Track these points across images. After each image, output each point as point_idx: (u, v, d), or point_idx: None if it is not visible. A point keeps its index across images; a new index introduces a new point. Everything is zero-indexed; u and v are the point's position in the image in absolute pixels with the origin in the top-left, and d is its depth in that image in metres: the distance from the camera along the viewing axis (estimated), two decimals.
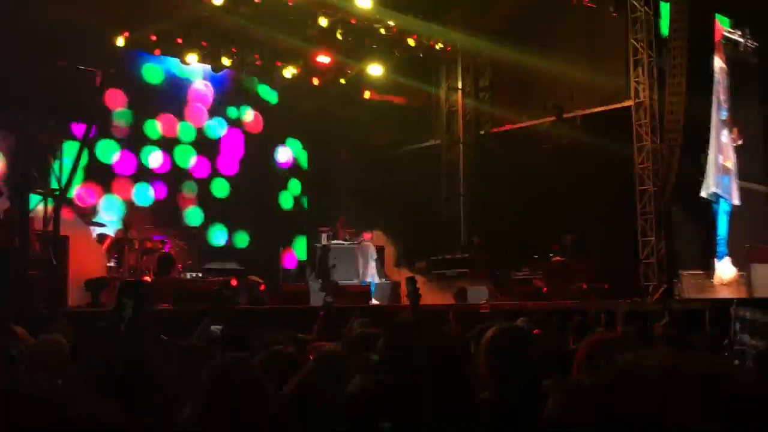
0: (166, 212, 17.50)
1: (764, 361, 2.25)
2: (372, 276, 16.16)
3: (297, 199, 20.14)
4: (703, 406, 0.76)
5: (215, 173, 18.58)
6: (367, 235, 16.32)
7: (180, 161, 18.01)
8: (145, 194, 17.32)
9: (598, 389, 0.82)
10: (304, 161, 20.53)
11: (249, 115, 19.41)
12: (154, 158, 17.55)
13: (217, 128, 18.80)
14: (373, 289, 15.87)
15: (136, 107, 17.10)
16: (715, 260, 15.33)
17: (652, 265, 15.13)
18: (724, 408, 0.77)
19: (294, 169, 20.28)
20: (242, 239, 18.49)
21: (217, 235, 18.25)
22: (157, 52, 16.70)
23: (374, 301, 15.32)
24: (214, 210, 18.24)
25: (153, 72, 17.60)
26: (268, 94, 19.84)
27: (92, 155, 15.63)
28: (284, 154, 20.06)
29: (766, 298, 12.63)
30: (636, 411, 0.78)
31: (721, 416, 0.76)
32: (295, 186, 20.15)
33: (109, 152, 16.73)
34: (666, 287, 14.74)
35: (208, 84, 18.57)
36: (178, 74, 17.90)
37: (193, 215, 17.88)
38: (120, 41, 15.24)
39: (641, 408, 0.78)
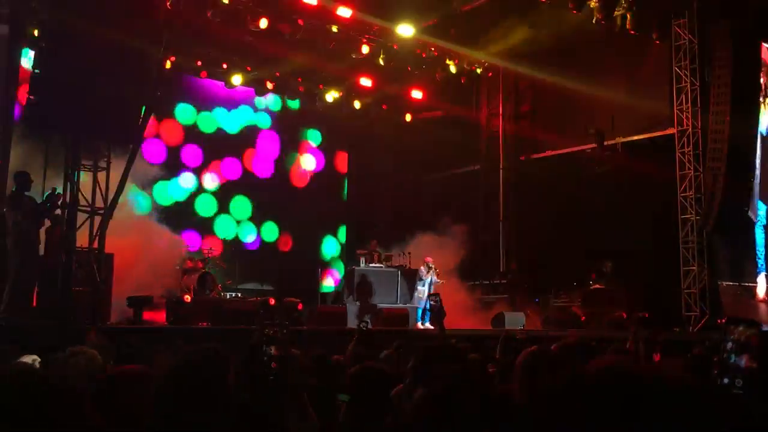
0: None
1: (750, 379, 2.25)
2: (422, 300, 15.51)
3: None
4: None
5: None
6: (429, 259, 16.03)
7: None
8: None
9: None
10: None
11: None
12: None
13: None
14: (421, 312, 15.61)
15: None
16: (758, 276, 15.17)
17: (694, 295, 14.88)
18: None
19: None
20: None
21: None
22: (203, 74, 17.23)
23: (425, 326, 15.03)
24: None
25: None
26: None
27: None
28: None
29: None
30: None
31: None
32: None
33: None
34: (708, 317, 14.48)
35: None
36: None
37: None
38: (167, 65, 15.61)
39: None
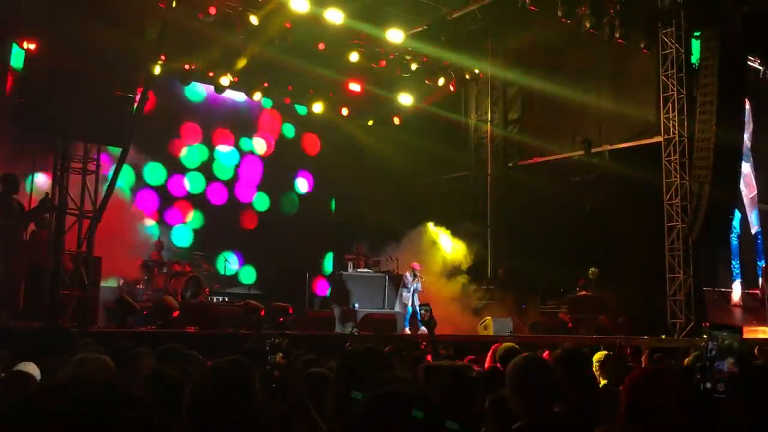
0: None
1: (734, 382, 2.31)
2: (405, 305, 15.86)
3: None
4: None
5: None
6: (416, 265, 16.19)
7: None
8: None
9: None
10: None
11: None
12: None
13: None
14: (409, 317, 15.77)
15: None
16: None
17: (680, 302, 14.98)
18: None
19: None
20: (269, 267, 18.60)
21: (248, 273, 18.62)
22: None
23: (407, 330, 15.26)
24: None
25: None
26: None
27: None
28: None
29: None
30: None
31: None
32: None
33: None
34: (693, 325, 14.58)
35: None
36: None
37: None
38: (156, 69, 15.56)
39: None
